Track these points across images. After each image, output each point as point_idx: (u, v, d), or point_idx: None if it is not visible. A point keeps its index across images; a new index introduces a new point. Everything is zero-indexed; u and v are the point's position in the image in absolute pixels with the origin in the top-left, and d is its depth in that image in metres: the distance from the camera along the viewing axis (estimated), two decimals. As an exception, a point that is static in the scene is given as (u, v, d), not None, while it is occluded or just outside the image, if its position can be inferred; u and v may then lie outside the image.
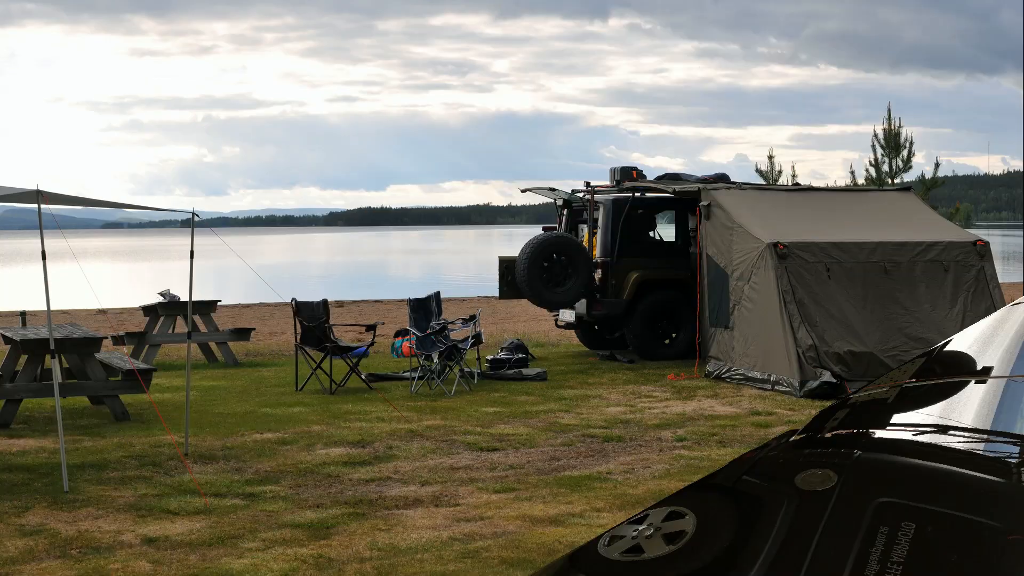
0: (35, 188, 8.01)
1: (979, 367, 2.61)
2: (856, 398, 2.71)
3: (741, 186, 15.09)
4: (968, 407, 2.40)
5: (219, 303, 17.13)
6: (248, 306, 31.33)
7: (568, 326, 16.90)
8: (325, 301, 13.76)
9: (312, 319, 13.36)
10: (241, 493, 8.10)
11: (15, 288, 45.98)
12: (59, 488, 8.21)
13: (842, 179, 31.42)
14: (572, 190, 16.94)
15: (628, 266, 15.67)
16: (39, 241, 8.25)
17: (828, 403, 12.31)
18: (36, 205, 8.22)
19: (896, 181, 22.68)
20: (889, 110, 23.57)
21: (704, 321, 14.28)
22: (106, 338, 12.84)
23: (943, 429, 2.25)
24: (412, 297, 14.14)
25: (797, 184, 21.49)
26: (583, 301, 15.85)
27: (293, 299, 13.49)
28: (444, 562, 6.40)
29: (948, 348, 2.80)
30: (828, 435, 2.42)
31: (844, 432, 2.43)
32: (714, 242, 14.01)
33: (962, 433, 2.22)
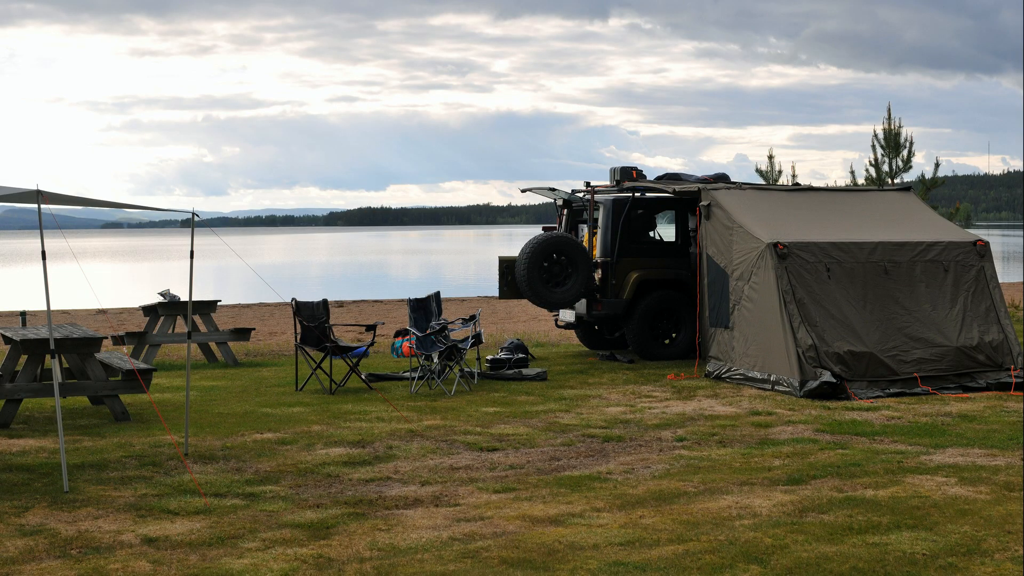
0: (35, 188, 8.01)
1: None
2: None
3: (741, 186, 15.08)
4: None
5: (219, 303, 17.13)
6: (248, 306, 31.34)
7: (568, 326, 16.90)
8: (325, 301, 13.77)
9: (312, 319, 13.36)
10: (241, 493, 8.10)
11: (15, 288, 46.00)
12: (59, 488, 8.21)
13: (842, 179, 31.43)
14: (572, 190, 16.93)
15: (628, 266, 15.68)
16: (39, 241, 8.26)
17: (828, 403, 12.37)
18: (36, 205, 8.22)
19: (896, 181, 22.67)
20: (889, 110, 23.54)
21: (704, 321, 14.27)
22: (106, 338, 12.84)
23: None
24: (412, 297, 14.15)
25: (797, 184, 21.47)
26: (583, 301, 15.85)
27: (293, 299, 13.50)
28: (444, 562, 6.40)
29: None
30: None
31: None
32: (714, 242, 14.01)
33: None
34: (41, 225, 8.23)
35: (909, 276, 13.35)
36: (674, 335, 15.88)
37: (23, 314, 16.34)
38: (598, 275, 15.63)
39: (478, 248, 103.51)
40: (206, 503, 7.79)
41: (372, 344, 14.11)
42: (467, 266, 65.30)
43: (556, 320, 17.20)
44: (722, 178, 15.88)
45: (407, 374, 14.02)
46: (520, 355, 15.32)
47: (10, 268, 69.60)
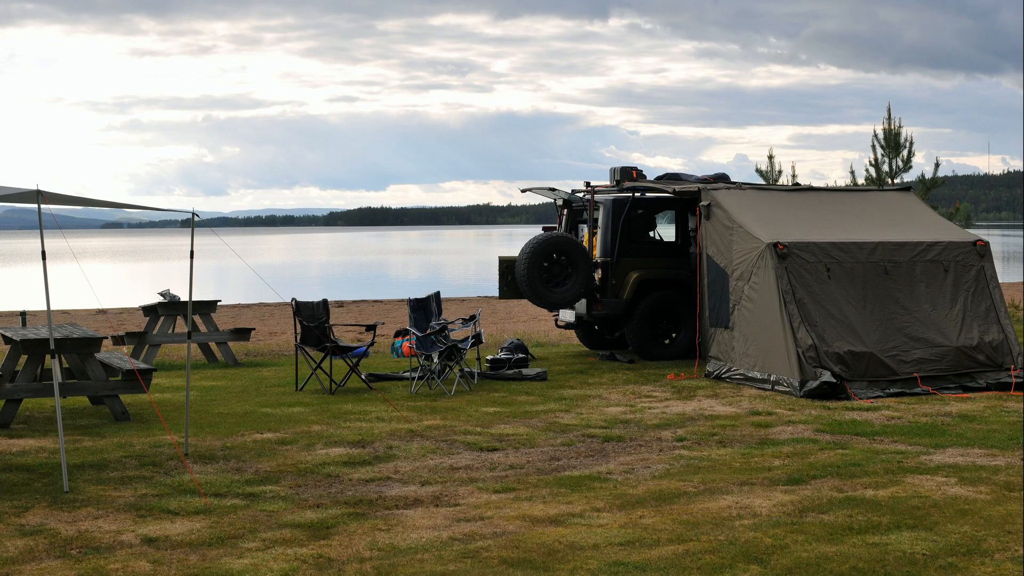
0: (35, 188, 8.02)
1: None
2: None
3: (741, 186, 15.08)
4: None
5: (219, 303, 17.13)
6: (248, 306, 31.34)
7: (568, 326, 16.90)
8: (325, 301, 13.77)
9: (312, 319, 13.36)
10: (241, 493, 8.10)
11: (15, 288, 46.00)
12: (59, 488, 8.21)
13: (842, 179, 31.42)
14: (572, 190, 16.93)
15: (628, 266, 15.67)
16: (39, 241, 8.26)
17: (828, 403, 12.36)
18: (36, 205, 8.22)
19: (896, 181, 22.67)
20: (889, 110, 23.55)
21: (704, 321, 14.27)
22: (106, 338, 12.83)
23: None
24: (412, 297, 14.15)
25: (797, 184, 21.47)
26: (583, 301, 15.85)
27: (293, 299, 13.50)
28: (444, 562, 6.40)
29: None
30: None
31: None
32: (714, 242, 14.01)
33: None
34: (41, 225, 8.23)
35: (909, 276, 13.35)
36: (674, 335, 15.88)
37: (23, 314, 16.34)
38: (598, 275, 15.62)
39: (478, 248, 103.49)
40: (206, 503, 7.79)
41: (372, 344, 14.11)
42: (467, 266, 65.30)
43: (556, 320, 17.20)
44: (722, 178, 15.88)
45: (407, 374, 14.02)
46: (520, 355, 15.32)
47: (10, 268, 69.59)
